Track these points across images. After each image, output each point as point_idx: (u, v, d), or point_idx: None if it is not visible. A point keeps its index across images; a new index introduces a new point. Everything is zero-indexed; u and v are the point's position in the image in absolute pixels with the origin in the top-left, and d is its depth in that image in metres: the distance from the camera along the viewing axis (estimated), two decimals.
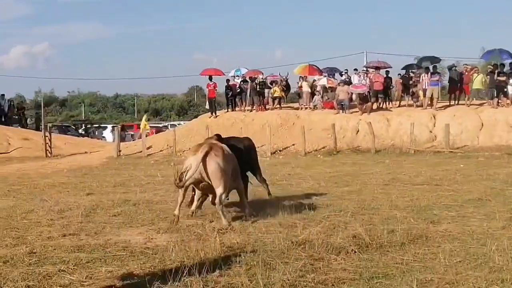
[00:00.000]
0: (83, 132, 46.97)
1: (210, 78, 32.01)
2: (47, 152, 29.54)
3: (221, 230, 8.71)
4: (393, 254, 7.14)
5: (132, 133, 47.35)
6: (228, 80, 32.67)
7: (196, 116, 45.37)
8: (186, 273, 6.29)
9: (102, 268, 6.60)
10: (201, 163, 9.12)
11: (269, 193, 11.90)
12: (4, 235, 8.68)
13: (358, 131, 28.07)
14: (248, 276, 6.23)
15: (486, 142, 25.78)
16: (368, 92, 30.16)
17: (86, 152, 30.32)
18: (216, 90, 32.47)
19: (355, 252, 7.21)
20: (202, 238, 8.16)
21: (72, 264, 6.75)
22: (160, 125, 53.42)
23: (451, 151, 24.65)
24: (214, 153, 9.26)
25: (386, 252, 7.27)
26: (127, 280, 6.20)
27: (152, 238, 8.29)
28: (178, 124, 47.69)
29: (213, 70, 33.69)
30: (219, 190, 9.17)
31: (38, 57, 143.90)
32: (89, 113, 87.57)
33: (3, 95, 36.92)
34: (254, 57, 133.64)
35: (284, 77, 32.99)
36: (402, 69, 31.88)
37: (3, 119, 35.90)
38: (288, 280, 6.10)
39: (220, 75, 33.33)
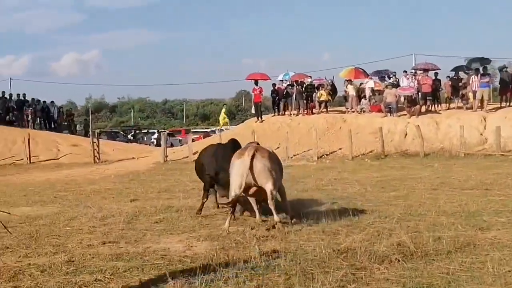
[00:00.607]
0: (131, 138, 47.35)
1: (256, 83, 32.03)
2: (95, 158, 29.88)
3: (262, 237, 8.53)
4: (438, 263, 6.84)
5: (180, 138, 47.60)
6: (274, 84, 32.56)
7: (244, 121, 45.18)
8: (223, 282, 6.17)
9: (138, 277, 6.48)
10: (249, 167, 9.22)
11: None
12: (45, 243, 8.67)
13: (406, 134, 27.64)
14: (286, 286, 6.06)
15: None
16: (416, 94, 29.73)
17: (133, 158, 30.53)
18: (262, 94, 32.36)
19: (399, 261, 6.94)
20: (242, 246, 8.01)
21: (109, 273, 6.64)
22: (208, 130, 53.59)
23: (503, 154, 24.06)
24: (260, 155, 9.38)
25: (431, 261, 6.98)
26: None
27: (192, 246, 8.15)
28: (225, 129, 47.66)
29: (259, 74, 33.58)
30: (269, 186, 9.23)
31: (89, 64, 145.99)
32: (139, 118, 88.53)
33: (52, 102, 37.53)
34: (302, 60, 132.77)
35: (330, 80, 32.78)
36: (452, 70, 31.21)
37: (52, 126, 36.47)
38: None
39: (266, 80, 33.19)
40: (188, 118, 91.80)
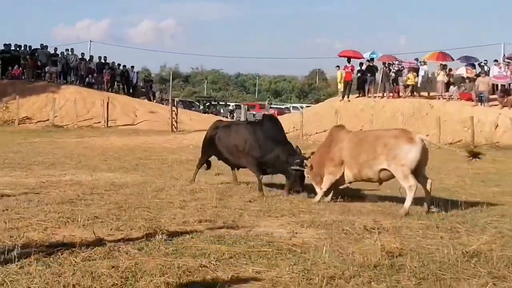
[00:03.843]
0: (206, 109, 46.95)
1: (349, 60, 30.99)
2: (173, 127, 29.49)
3: (373, 229, 7.68)
4: None
5: (254, 112, 47.02)
6: (361, 64, 31.38)
7: (316, 100, 44.27)
8: (344, 281, 5.39)
9: (248, 266, 5.72)
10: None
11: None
12: (136, 216, 8.03)
13: (497, 125, 26.19)
14: None
15: None
16: (509, 84, 28.24)
17: None
18: (353, 73, 31.17)
19: None
20: (353, 238, 7.18)
21: (213, 258, 5.90)
22: (283, 107, 52.87)
23: None
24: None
25: None
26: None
27: (296, 233, 7.36)
28: (300, 107, 46.76)
29: (352, 52, 32.31)
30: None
31: (165, 32, 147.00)
32: (211, 90, 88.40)
33: (132, 67, 37.31)
34: (379, 42, 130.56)
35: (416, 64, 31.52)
36: None
37: (131, 91, 36.28)
38: None
39: (359, 58, 31.92)
40: (260, 93, 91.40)
